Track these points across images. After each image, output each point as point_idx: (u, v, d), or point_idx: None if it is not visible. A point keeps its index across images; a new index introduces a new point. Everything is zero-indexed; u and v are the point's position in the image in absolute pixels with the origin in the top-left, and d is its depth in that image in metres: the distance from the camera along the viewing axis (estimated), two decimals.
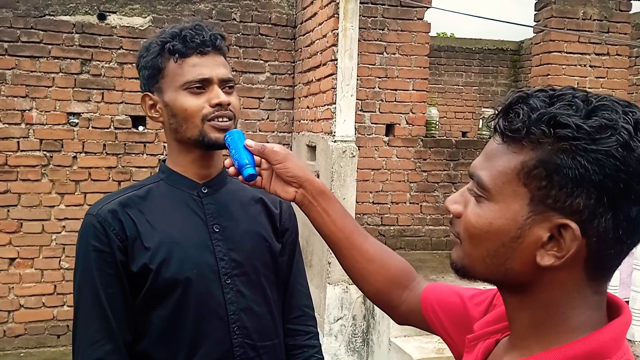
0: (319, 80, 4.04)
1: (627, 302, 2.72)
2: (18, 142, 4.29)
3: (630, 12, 4.92)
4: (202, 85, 1.18)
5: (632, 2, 4.90)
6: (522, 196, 0.63)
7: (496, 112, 0.66)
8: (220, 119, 1.18)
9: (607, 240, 0.60)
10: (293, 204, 1.12)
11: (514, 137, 0.63)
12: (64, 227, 4.40)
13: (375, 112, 4.54)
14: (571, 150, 0.59)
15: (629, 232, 0.60)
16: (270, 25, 4.72)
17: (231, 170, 1.07)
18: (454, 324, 0.90)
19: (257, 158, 1.06)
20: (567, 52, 4.75)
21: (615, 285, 2.80)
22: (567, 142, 0.59)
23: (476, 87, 7.60)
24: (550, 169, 0.60)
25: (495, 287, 0.76)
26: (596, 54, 4.81)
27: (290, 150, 4.73)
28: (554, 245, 0.62)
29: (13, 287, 4.34)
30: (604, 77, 4.84)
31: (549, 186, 0.61)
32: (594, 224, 0.60)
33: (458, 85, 7.58)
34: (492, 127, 0.66)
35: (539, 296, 0.65)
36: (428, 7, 4.52)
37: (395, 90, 4.55)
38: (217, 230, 1.23)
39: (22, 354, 4.33)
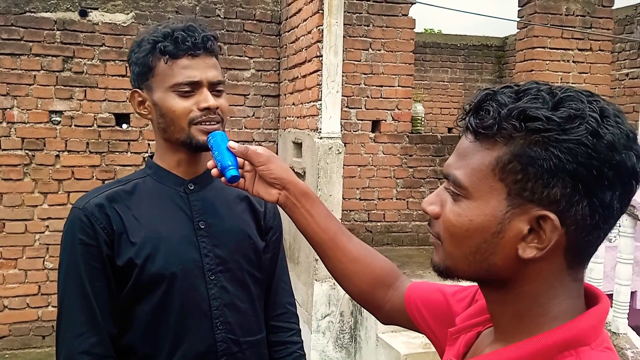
0: (304, 76, 4.03)
1: (611, 295, 2.75)
2: None
3: (613, 8, 4.97)
4: (192, 87, 1.18)
5: None
6: (499, 191, 0.63)
7: (465, 111, 0.67)
8: (207, 123, 1.18)
9: (585, 227, 0.62)
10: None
11: (486, 133, 0.64)
12: (47, 226, 4.34)
13: (361, 108, 4.54)
14: (543, 141, 0.60)
15: (604, 217, 0.62)
16: (254, 22, 4.69)
17: (214, 172, 1.07)
18: (437, 321, 0.91)
19: (240, 160, 1.06)
20: (550, 48, 4.79)
21: (599, 279, 2.83)
22: (539, 134, 0.60)
23: (461, 83, 7.64)
24: (525, 162, 0.61)
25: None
26: (579, 50, 4.86)
27: (277, 147, 4.73)
28: (534, 237, 0.63)
29: None
30: (587, 73, 4.89)
31: (524, 179, 0.62)
32: (571, 212, 0.61)
33: (443, 82, 7.62)
34: (464, 126, 0.67)
35: (520, 289, 0.66)
36: (413, 3, 4.53)
37: (381, 86, 4.56)
38: (203, 226, 1.24)
39: (6, 356, 4.28)
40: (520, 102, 0.62)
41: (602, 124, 0.60)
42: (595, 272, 2.81)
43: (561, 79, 4.83)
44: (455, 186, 0.67)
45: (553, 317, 0.65)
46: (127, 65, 4.39)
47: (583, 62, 4.88)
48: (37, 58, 4.25)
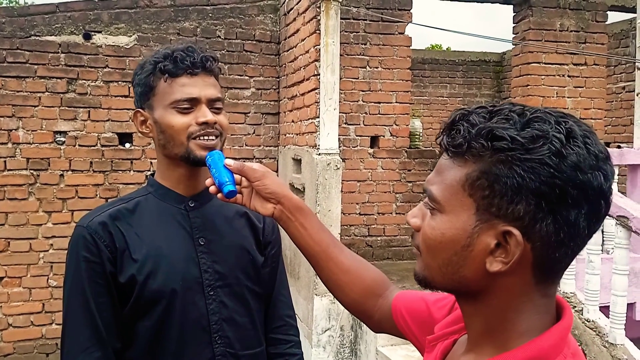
0: (302, 94, 4.11)
1: (609, 306, 2.78)
2: (5, 161, 4.31)
3: (607, 23, 5.05)
4: (190, 104, 1.22)
5: (607, 13, 5.03)
6: (469, 206, 0.67)
7: (441, 130, 0.70)
8: (205, 137, 1.22)
9: (551, 244, 0.64)
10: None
11: (457, 151, 0.67)
12: (51, 245, 4.40)
13: (359, 124, 4.61)
14: (507, 160, 0.63)
15: (570, 235, 0.64)
16: (254, 42, 4.79)
17: (212, 189, 1.11)
18: (420, 328, 0.95)
19: (237, 176, 1.10)
20: (545, 63, 4.86)
21: (596, 290, 2.86)
22: (504, 153, 0.63)
23: (460, 98, 7.71)
24: (491, 179, 0.64)
25: None
26: (574, 64, 4.93)
27: (277, 163, 4.80)
28: (501, 251, 0.65)
29: (1, 306, 4.33)
30: (582, 87, 4.95)
31: (491, 195, 0.65)
32: (535, 229, 0.63)
33: (443, 97, 7.69)
34: (438, 144, 0.70)
35: (490, 302, 0.69)
36: (409, 22, 4.62)
37: (379, 103, 4.63)
38: (203, 243, 1.27)
39: None
40: (490, 122, 0.65)
41: (568, 144, 0.62)
42: (592, 284, 2.84)
43: (557, 94, 4.89)
44: (431, 200, 0.70)
45: (520, 333, 0.67)
46: (130, 86, 4.50)
47: (578, 77, 4.94)
48: (42, 80, 4.35)
